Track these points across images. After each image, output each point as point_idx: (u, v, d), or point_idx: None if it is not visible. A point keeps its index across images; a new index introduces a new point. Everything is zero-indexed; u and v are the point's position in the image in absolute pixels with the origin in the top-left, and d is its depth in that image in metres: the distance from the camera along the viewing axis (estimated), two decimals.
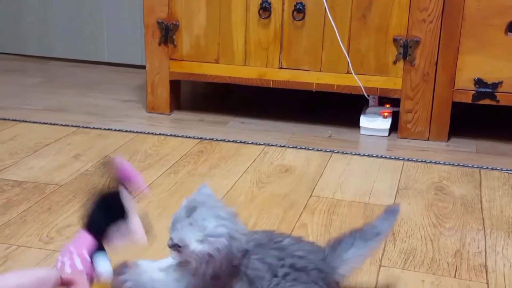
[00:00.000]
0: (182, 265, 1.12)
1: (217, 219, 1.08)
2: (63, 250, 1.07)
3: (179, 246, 1.07)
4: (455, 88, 2.00)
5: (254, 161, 1.85)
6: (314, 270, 1.09)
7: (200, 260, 1.07)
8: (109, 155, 1.13)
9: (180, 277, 1.12)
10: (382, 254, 1.33)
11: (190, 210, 1.08)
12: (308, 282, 1.08)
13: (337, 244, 1.11)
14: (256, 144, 1.99)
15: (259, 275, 1.09)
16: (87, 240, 1.07)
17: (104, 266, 1.06)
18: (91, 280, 1.06)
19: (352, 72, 2.05)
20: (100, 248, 1.07)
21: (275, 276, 1.09)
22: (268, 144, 1.99)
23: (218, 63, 2.17)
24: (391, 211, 1.14)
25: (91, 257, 1.06)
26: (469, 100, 2.00)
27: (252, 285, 1.10)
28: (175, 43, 2.17)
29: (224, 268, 1.08)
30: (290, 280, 1.08)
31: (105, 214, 1.08)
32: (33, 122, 2.14)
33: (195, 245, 1.06)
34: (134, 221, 1.10)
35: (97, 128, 2.09)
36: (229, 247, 1.06)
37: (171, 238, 1.09)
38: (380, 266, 1.28)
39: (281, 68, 2.13)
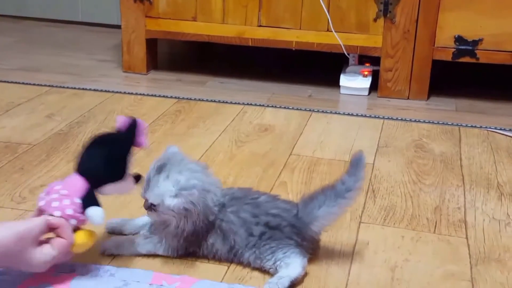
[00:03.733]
0: (160, 226, 1.10)
1: (188, 171, 1.06)
2: (48, 188, 1.04)
3: (154, 206, 1.05)
4: (435, 45, 1.98)
5: (233, 120, 1.82)
6: (287, 226, 1.08)
7: (177, 215, 1.06)
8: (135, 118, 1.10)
9: (160, 239, 1.10)
10: (362, 211, 1.32)
11: (160, 168, 1.06)
12: (282, 238, 1.07)
13: (309, 201, 1.10)
14: (235, 103, 1.96)
15: (232, 229, 1.08)
16: (80, 184, 1.04)
17: (96, 216, 1.03)
18: (80, 224, 1.04)
19: (332, 30, 2.02)
20: (93, 195, 1.04)
21: (251, 235, 1.08)
22: (248, 104, 1.96)
23: (196, 21, 2.12)
24: (357, 162, 1.09)
25: (83, 203, 1.03)
26: (449, 58, 1.98)
27: (225, 238, 1.09)
28: (151, 0, 2.12)
29: (201, 224, 1.07)
30: (265, 239, 1.08)
31: (108, 167, 1.05)
32: (6, 81, 2.08)
33: (170, 201, 1.04)
34: (129, 179, 1.08)
35: (72, 88, 2.05)
36: (204, 199, 1.05)
37: (146, 199, 1.07)
38: (360, 222, 1.27)
39: (260, 26, 2.09)
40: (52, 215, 1.01)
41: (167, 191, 1.04)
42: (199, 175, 1.07)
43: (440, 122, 1.85)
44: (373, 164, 1.55)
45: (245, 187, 1.24)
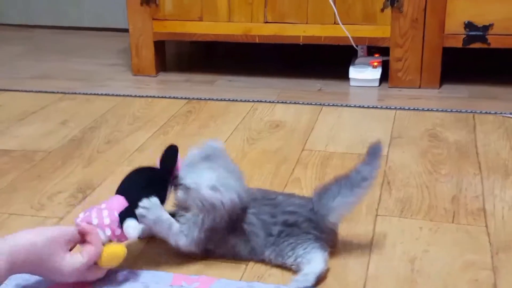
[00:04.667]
0: (181, 209, 1.09)
1: (231, 171, 1.07)
2: (90, 208, 1.06)
3: (188, 188, 1.06)
4: (445, 33, 1.96)
5: (243, 118, 1.82)
6: (304, 222, 1.08)
7: (203, 207, 1.05)
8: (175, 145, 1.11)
9: (187, 230, 1.09)
10: (378, 204, 1.31)
11: (207, 157, 1.07)
12: (300, 234, 1.07)
13: (323, 193, 1.09)
14: (245, 101, 1.96)
15: (254, 231, 1.09)
16: (120, 202, 1.05)
17: (132, 228, 1.04)
18: (114, 237, 1.04)
19: (339, 22, 2.01)
20: (131, 211, 1.05)
21: (270, 235, 1.08)
22: (257, 101, 1.95)
23: (202, 20, 2.12)
24: (374, 152, 1.08)
25: (121, 217, 1.04)
26: (460, 45, 1.96)
27: (247, 241, 1.09)
28: (157, 2, 2.12)
29: (222, 222, 1.07)
30: (283, 236, 1.08)
31: (147, 190, 1.06)
32: (19, 90, 2.09)
33: (205, 191, 1.04)
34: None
35: (83, 94, 2.05)
36: (234, 202, 1.05)
37: (181, 178, 1.06)
38: (377, 215, 1.27)
39: (266, 22, 2.08)
40: (90, 223, 1.02)
41: (206, 181, 1.04)
42: (238, 178, 1.08)
43: (454, 110, 1.84)
44: (387, 155, 1.54)
45: (262, 188, 1.24)
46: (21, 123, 1.81)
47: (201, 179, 1.05)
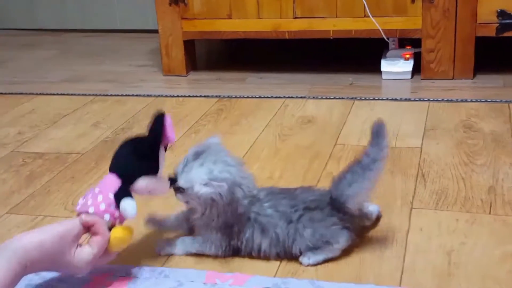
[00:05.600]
0: (189, 213, 1.11)
1: (223, 164, 1.07)
2: (87, 191, 1.06)
3: (183, 189, 1.06)
4: (477, 22, 1.92)
5: (275, 114, 1.81)
6: (326, 207, 1.08)
7: (203, 204, 1.06)
8: (160, 109, 1.11)
9: (205, 239, 1.11)
10: (413, 196, 1.29)
11: (197, 154, 1.07)
12: (324, 218, 1.07)
13: (338, 182, 1.08)
14: (276, 97, 1.95)
15: (272, 221, 1.08)
16: (113, 181, 1.05)
17: (129, 208, 1.04)
18: (115, 220, 1.05)
19: (369, 15, 1.98)
20: (125, 190, 1.05)
21: (290, 222, 1.07)
22: (288, 97, 1.94)
23: (231, 18, 2.12)
24: (377, 132, 1.07)
25: (116, 198, 1.04)
26: (493, 34, 1.92)
27: (265, 232, 1.08)
28: (186, 1, 2.12)
29: (230, 215, 1.06)
30: (305, 220, 1.07)
31: (137, 162, 1.06)
32: (51, 94, 2.12)
33: (198, 188, 1.05)
34: (163, 178, 1.09)
35: (115, 95, 2.07)
36: (232, 193, 1.05)
37: (175, 180, 1.07)
38: (412, 208, 1.25)
39: (295, 17, 2.07)
40: (87, 212, 1.03)
41: (198, 178, 1.05)
42: (232, 168, 1.07)
43: (488, 100, 1.80)
44: (421, 148, 1.52)
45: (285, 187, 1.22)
46: (54, 126, 1.83)
47: (193, 178, 1.05)
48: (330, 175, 1.41)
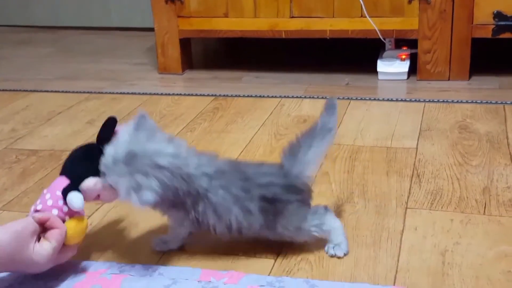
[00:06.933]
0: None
1: (153, 170, 1.01)
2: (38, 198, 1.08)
3: (112, 186, 1.05)
4: (473, 23, 1.93)
5: (271, 114, 1.81)
6: (283, 193, 1.06)
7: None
8: (114, 116, 1.11)
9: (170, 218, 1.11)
10: (408, 196, 1.29)
11: (130, 156, 1.02)
12: (287, 209, 1.06)
13: (293, 151, 1.09)
14: (272, 97, 1.95)
15: (224, 204, 1.05)
16: (62, 182, 1.07)
17: (75, 200, 1.05)
18: (64, 214, 1.06)
19: (366, 15, 1.98)
20: (73, 187, 1.06)
21: (249, 212, 1.05)
22: (284, 96, 1.94)
23: (228, 17, 2.11)
24: (330, 105, 1.12)
25: (64, 194, 1.05)
26: (489, 35, 1.92)
27: (218, 215, 1.06)
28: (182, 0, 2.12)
29: (172, 197, 1.04)
30: (271, 217, 1.06)
31: (86, 164, 1.07)
32: (46, 91, 2.12)
33: (126, 196, 1.02)
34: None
35: (110, 93, 2.06)
36: (169, 186, 1.02)
37: (105, 174, 1.05)
38: (407, 208, 1.25)
39: (292, 17, 2.07)
40: (36, 210, 1.04)
41: (125, 186, 1.01)
42: (163, 171, 1.02)
43: (484, 101, 1.80)
44: (416, 148, 1.52)
45: (231, 159, 1.18)
46: (48, 123, 1.82)
47: (120, 183, 1.02)
48: (326, 174, 1.41)
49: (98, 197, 1.09)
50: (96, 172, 1.06)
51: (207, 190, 1.05)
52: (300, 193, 1.08)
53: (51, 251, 1.01)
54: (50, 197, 1.06)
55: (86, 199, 1.07)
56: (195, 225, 1.09)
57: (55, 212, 1.05)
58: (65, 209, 1.06)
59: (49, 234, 1.02)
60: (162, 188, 1.01)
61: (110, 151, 1.04)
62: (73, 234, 1.05)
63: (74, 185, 1.06)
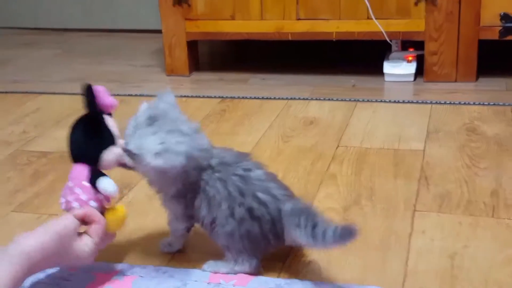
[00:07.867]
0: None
1: (178, 134, 1.01)
2: (63, 190, 1.06)
3: (134, 154, 1.02)
4: (480, 25, 1.93)
5: (277, 115, 1.81)
6: (267, 223, 1.03)
7: (154, 173, 1.04)
8: (87, 82, 1.11)
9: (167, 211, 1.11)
10: (416, 199, 1.29)
11: (152, 119, 1.02)
12: (257, 236, 1.04)
13: (295, 213, 1.02)
14: (279, 99, 1.95)
15: (216, 198, 1.04)
16: (81, 170, 1.05)
17: (108, 186, 1.04)
18: (101, 203, 1.06)
19: (373, 17, 1.99)
20: (97, 172, 1.05)
21: (232, 216, 1.03)
22: (291, 98, 1.95)
23: (234, 19, 2.12)
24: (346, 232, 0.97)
25: (92, 182, 1.04)
26: (496, 37, 1.92)
27: (210, 207, 1.05)
28: (189, 2, 2.13)
29: (181, 185, 1.05)
30: (243, 229, 1.03)
31: (91, 141, 1.06)
32: (55, 93, 2.13)
33: (151, 158, 1.00)
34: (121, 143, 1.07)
35: (118, 95, 2.05)
36: (185, 166, 1.01)
37: (126, 142, 1.04)
38: (415, 211, 1.25)
39: (299, 19, 2.07)
40: (73, 209, 1.04)
41: (150, 148, 1.00)
42: (188, 139, 1.01)
43: (491, 103, 1.80)
44: (424, 151, 1.52)
45: (238, 151, 1.12)
46: (58, 125, 1.83)
47: (144, 145, 1.00)
48: (333, 176, 1.42)
49: (118, 163, 1.07)
50: (105, 144, 1.05)
51: (207, 182, 1.05)
52: (277, 238, 1.04)
53: (93, 246, 1.03)
54: (82, 191, 1.04)
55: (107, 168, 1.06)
56: (190, 221, 1.10)
57: (93, 204, 1.04)
58: (101, 197, 1.05)
59: (91, 230, 1.03)
60: (186, 156, 0.99)
61: (131, 120, 1.03)
62: (114, 225, 1.07)
63: (95, 170, 1.05)
